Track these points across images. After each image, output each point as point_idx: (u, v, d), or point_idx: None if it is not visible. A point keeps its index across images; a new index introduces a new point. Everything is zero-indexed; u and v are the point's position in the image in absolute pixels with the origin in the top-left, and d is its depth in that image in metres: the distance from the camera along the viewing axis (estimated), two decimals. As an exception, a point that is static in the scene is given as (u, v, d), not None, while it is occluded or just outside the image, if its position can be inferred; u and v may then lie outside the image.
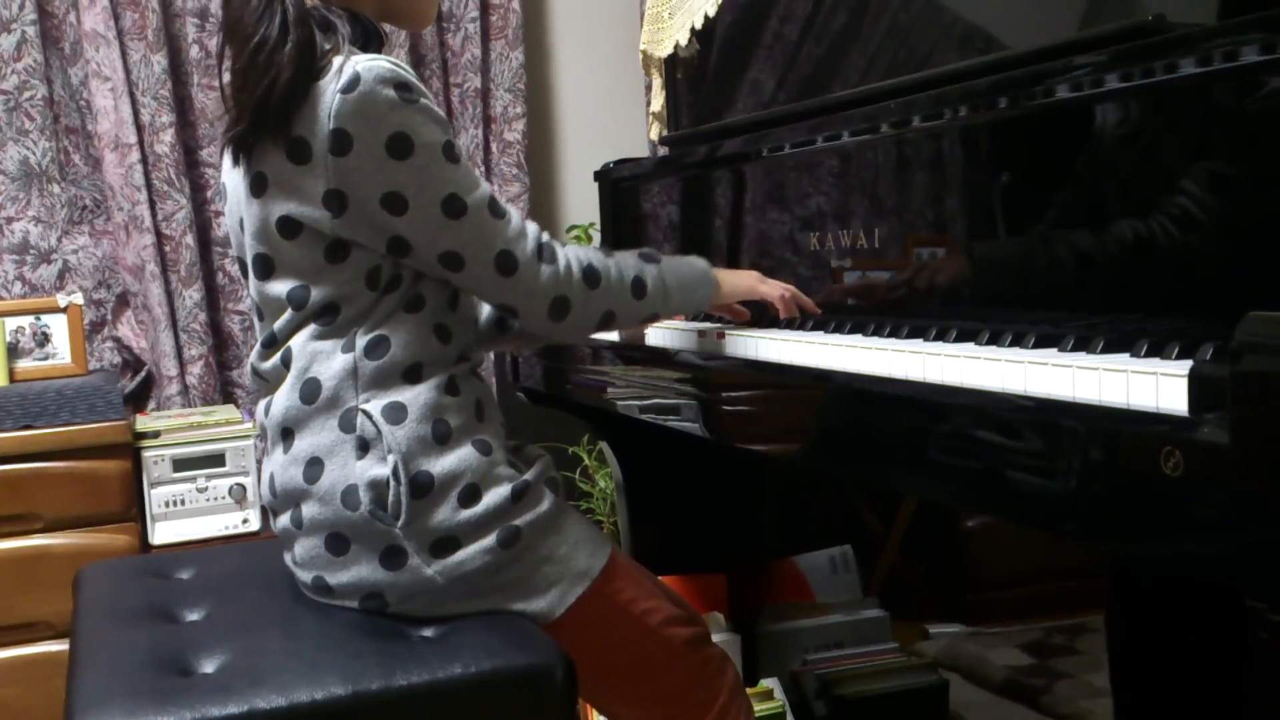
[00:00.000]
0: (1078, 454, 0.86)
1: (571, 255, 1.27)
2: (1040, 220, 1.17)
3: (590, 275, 1.27)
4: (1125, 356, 0.95)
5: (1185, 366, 0.84)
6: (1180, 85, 1.01)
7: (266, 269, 1.23)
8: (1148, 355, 0.95)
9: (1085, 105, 1.10)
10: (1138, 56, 1.04)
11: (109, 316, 2.62)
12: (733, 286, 1.44)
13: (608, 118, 3.05)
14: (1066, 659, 2.15)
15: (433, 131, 1.17)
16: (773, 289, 1.45)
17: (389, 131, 1.15)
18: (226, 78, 1.22)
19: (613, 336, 1.69)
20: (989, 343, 1.13)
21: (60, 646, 2.13)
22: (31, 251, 2.54)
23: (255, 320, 1.29)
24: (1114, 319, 1.06)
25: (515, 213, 1.25)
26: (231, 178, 1.26)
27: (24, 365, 2.47)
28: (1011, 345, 1.09)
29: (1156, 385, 0.85)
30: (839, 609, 2.04)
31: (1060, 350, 1.03)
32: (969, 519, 2.31)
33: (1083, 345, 1.02)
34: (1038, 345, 1.07)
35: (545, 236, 1.26)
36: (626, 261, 1.32)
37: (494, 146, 2.89)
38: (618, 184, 1.99)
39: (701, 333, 1.48)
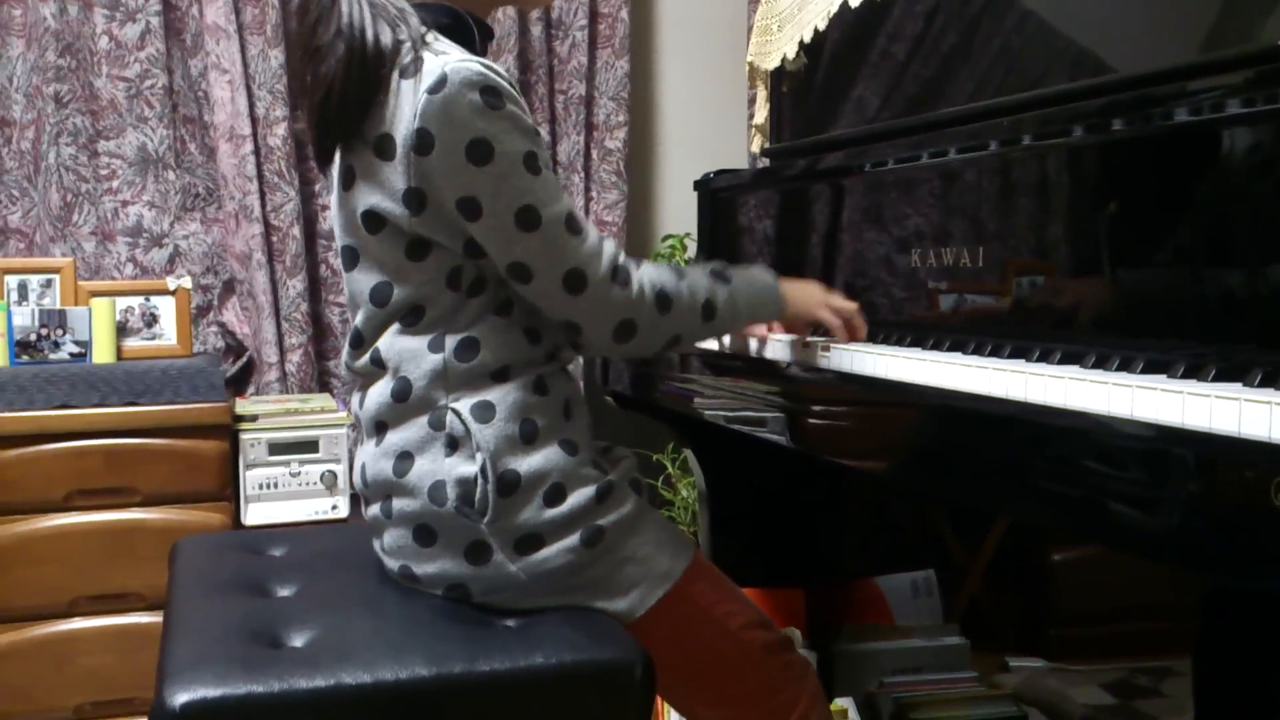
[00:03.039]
0: (1184, 481, 0.84)
1: (646, 279, 1.24)
2: (1151, 246, 1.15)
3: (662, 300, 1.25)
4: (1238, 385, 0.93)
5: (1302, 397, 0.82)
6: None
7: (353, 260, 1.25)
8: (1262, 385, 0.92)
9: (1203, 130, 1.08)
10: (1262, 82, 1.02)
11: (215, 302, 2.69)
12: (796, 309, 1.41)
13: (708, 129, 3.06)
14: (1150, 701, 2.09)
15: (515, 140, 1.16)
16: (834, 317, 1.41)
17: (470, 136, 1.15)
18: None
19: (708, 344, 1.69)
20: (1095, 366, 1.11)
21: (150, 618, 2.20)
22: (144, 235, 2.63)
23: (350, 313, 1.32)
24: (1225, 349, 1.03)
25: (594, 231, 1.23)
26: (333, 171, 1.29)
27: (131, 344, 2.56)
28: (1119, 370, 1.07)
29: (1270, 415, 0.82)
30: (919, 633, 2.01)
31: (1170, 377, 1.00)
32: (1056, 552, 2.26)
33: (1193, 373, 0.99)
34: (1145, 371, 1.04)
35: (622, 258, 1.24)
36: (699, 283, 1.30)
37: (594, 153, 2.92)
38: (716, 194, 2.00)
39: (805, 343, 1.47)
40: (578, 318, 1.23)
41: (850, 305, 1.44)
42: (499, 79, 1.17)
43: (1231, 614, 1.47)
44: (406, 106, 1.16)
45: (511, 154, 1.16)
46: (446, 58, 1.17)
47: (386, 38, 1.18)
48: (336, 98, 1.18)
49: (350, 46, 1.18)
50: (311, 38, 1.21)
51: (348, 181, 1.23)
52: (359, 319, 1.26)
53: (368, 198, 1.20)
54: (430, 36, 1.21)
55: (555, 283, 1.20)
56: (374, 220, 1.21)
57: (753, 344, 1.61)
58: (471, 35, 1.28)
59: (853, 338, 1.43)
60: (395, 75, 1.18)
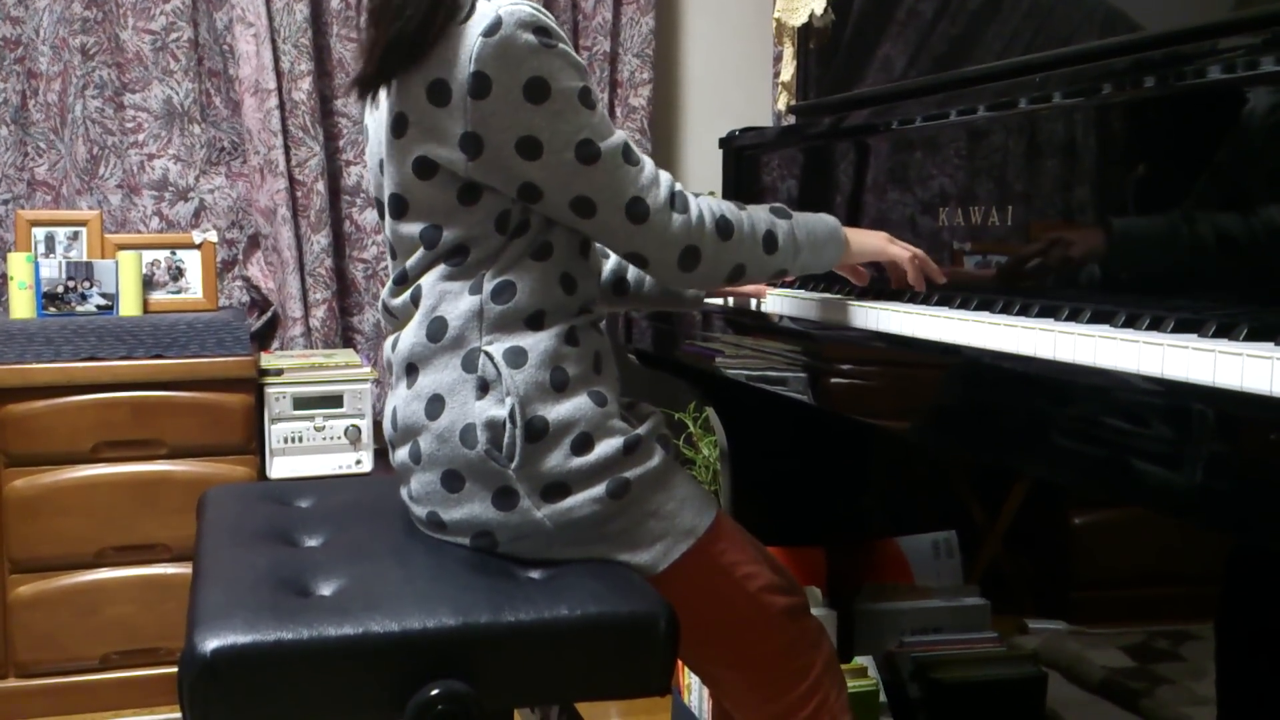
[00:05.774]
0: (1213, 439, 0.83)
1: (704, 206, 1.27)
2: (1183, 206, 1.14)
3: (723, 226, 1.27)
4: (1270, 345, 0.92)
5: (1336, 356, 0.81)
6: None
7: (401, 209, 1.25)
8: (1294, 344, 0.92)
9: (1235, 89, 1.06)
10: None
11: (240, 256, 2.70)
12: (861, 246, 1.42)
13: (733, 88, 3.04)
14: (1170, 664, 2.09)
15: (570, 76, 1.18)
16: (902, 250, 1.42)
17: (527, 75, 1.16)
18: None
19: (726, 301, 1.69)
20: (1125, 325, 1.10)
21: (175, 569, 2.23)
22: (170, 189, 2.64)
23: (389, 259, 1.32)
24: (1257, 309, 1.02)
25: (649, 161, 1.25)
26: (374, 119, 1.29)
27: (157, 297, 2.57)
28: (1149, 329, 1.06)
29: (1303, 374, 0.82)
30: (939, 594, 2.02)
31: (1201, 336, 1.00)
32: (1077, 515, 2.26)
33: (1224, 333, 0.99)
34: (1176, 330, 1.04)
35: (678, 186, 1.26)
36: (759, 215, 1.32)
37: (619, 111, 2.90)
38: (741, 152, 1.99)
39: (822, 301, 1.47)
40: (641, 248, 1.24)
41: (916, 250, 1.43)
42: (547, 18, 1.19)
43: (1255, 577, 1.46)
44: (461, 51, 1.17)
45: (567, 90, 1.18)
46: (497, 2, 1.18)
47: None
48: (408, 37, 1.17)
49: (432, 6, 1.17)
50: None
51: (399, 129, 1.22)
52: (410, 261, 1.26)
53: (421, 146, 1.21)
54: None
55: (618, 214, 1.22)
56: (426, 167, 1.21)
57: (753, 301, 1.61)
58: None
59: (929, 276, 1.43)
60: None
